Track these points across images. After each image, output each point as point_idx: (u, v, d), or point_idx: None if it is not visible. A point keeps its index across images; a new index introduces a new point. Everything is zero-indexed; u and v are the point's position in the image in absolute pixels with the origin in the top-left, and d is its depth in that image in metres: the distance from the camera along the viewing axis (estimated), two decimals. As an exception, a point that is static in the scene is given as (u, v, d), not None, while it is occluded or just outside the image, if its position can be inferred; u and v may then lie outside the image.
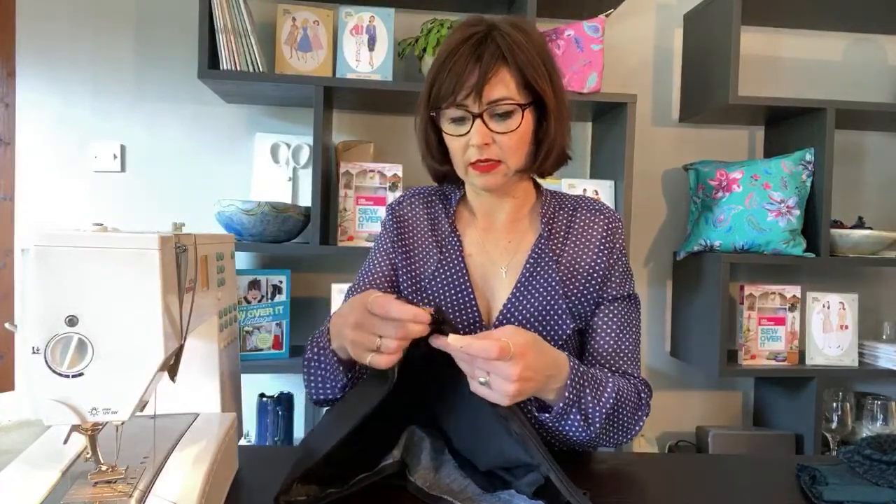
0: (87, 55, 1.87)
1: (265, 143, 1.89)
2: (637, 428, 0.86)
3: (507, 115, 0.85)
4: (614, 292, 0.93)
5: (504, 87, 0.84)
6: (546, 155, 0.91)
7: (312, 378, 0.85)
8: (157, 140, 1.91)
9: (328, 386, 0.83)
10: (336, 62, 1.77)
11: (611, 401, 0.80)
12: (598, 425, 0.79)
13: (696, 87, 1.97)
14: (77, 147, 1.88)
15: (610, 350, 0.91)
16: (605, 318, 0.92)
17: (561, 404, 0.75)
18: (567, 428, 0.78)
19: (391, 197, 1.77)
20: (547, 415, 0.77)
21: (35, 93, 1.85)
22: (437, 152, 0.94)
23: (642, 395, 0.89)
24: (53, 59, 1.85)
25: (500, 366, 0.65)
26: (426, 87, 0.89)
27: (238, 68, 1.66)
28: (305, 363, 0.86)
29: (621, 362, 0.91)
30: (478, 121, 0.84)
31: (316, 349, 0.85)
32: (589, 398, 0.78)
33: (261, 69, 1.68)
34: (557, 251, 0.93)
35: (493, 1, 1.91)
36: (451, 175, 0.96)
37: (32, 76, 1.85)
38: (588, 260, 0.92)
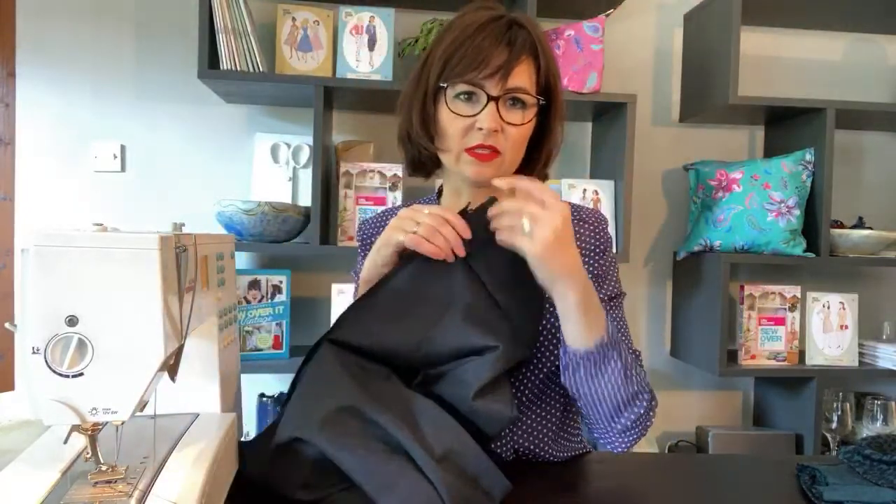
0: (87, 55, 1.86)
1: (265, 143, 1.89)
2: (645, 417, 0.78)
3: (521, 107, 0.82)
4: (609, 292, 0.90)
5: (528, 77, 0.82)
6: (545, 160, 0.90)
7: None
8: (157, 140, 1.90)
9: None
10: (336, 62, 1.76)
11: (632, 356, 0.78)
12: (633, 378, 0.75)
13: (695, 87, 1.97)
14: (77, 147, 1.87)
15: None
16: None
17: (605, 335, 0.74)
18: (607, 372, 0.74)
19: (391, 197, 1.77)
20: (599, 339, 0.74)
21: (35, 93, 1.85)
22: (433, 129, 0.86)
23: (646, 389, 0.80)
24: (53, 59, 1.85)
25: (551, 201, 0.70)
26: (440, 56, 0.82)
27: (238, 68, 1.66)
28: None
29: None
30: (492, 104, 0.80)
31: None
32: (622, 341, 0.75)
33: (261, 69, 1.68)
34: None
35: (493, 0, 1.90)
36: (433, 162, 0.90)
37: (32, 76, 1.85)
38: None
